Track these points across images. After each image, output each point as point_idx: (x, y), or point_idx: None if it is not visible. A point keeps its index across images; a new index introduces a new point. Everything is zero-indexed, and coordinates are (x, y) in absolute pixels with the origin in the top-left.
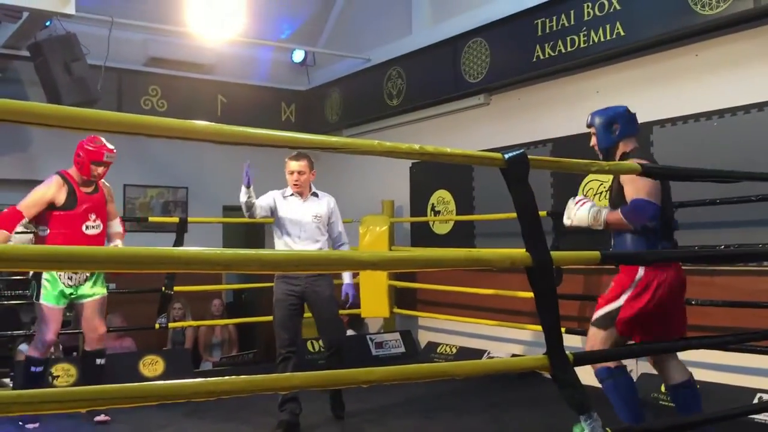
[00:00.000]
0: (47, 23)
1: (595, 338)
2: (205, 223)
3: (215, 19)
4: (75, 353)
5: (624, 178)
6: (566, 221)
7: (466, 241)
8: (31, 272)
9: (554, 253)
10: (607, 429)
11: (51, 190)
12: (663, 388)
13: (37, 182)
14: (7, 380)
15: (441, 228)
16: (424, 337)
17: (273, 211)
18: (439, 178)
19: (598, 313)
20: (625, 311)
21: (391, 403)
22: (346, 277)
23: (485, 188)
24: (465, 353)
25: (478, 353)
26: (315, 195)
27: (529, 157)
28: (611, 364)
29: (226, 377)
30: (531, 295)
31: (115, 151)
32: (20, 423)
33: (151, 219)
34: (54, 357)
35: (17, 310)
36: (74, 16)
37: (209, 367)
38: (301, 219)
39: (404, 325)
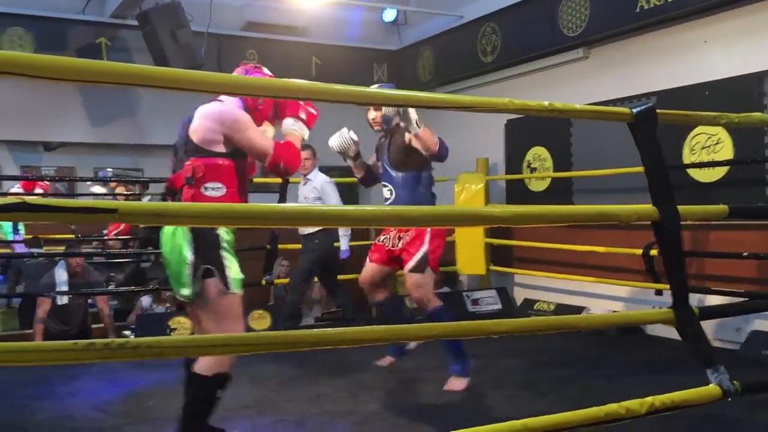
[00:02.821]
0: None
1: (423, 282)
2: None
3: None
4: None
5: (418, 126)
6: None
7: (564, 199)
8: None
9: (682, 208)
10: (735, 381)
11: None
12: None
13: (144, 146)
14: (128, 332)
15: (537, 185)
16: (519, 294)
17: None
18: (536, 135)
19: (414, 261)
20: (434, 251)
21: (492, 358)
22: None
23: (584, 144)
24: (563, 310)
25: (576, 310)
26: (309, 179)
27: (657, 111)
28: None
29: (374, 326)
30: (630, 251)
31: None
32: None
33: (254, 180)
34: (169, 311)
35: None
36: None
37: (311, 322)
38: (297, 199)
39: (500, 282)
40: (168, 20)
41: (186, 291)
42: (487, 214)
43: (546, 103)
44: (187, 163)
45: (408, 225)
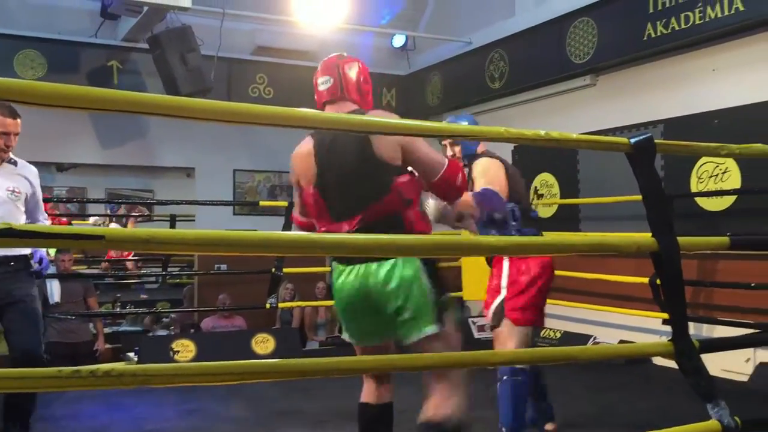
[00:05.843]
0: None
1: (500, 337)
2: None
3: (319, 6)
4: (192, 330)
5: (476, 174)
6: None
7: (571, 225)
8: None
9: (681, 239)
10: (736, 417)
11: None
12: None
13: (155, 168)
14: (131, 354)
15: (544, 212)
16: None
17: None
18: (543, 161)
19: (489, 315)
20: (513, 301)
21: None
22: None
23: (590, 171)
24: (570, 338)
25: (583, 338)
26: (13, 163)
27: (655, 140)
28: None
29: (382, 355)
30: (638, 279)
31: None
32: None
33: (261, 203)
34: (174, 333)
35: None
36: (189, 9)
37: (315, 346)
38: None
39: None
40: (178, 44)
41: (431, 328)
42: (485, 245)
43: (543, 132)
44: (395, 184)
45: (399, 255)
